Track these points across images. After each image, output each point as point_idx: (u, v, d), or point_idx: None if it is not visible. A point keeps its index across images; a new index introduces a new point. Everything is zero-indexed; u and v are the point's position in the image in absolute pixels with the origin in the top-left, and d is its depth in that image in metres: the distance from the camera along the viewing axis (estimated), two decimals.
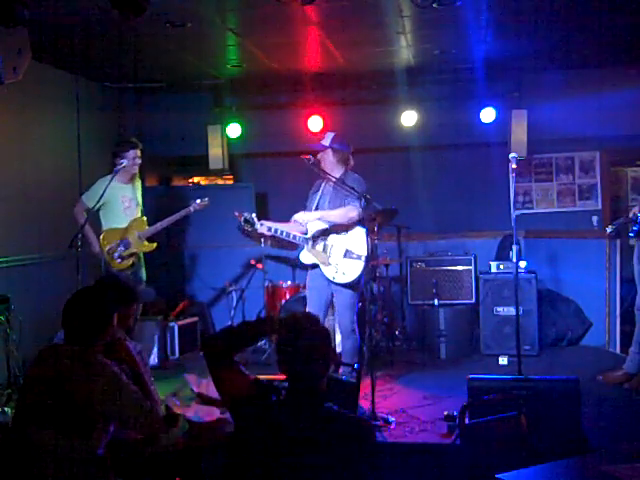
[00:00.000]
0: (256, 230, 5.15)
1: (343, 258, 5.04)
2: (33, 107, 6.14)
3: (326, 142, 5.14)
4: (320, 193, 5.21)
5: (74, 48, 5.81)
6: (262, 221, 5.15)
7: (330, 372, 2.61)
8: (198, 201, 5.98)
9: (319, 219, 5.09)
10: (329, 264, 5.06)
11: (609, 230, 5.54)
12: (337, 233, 5.08)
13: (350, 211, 4.98)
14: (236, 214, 5.22)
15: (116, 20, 4.05)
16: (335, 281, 5.05)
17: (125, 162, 5.66)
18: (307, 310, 5.18)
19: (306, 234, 5.15)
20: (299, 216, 5.10)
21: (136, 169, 5.82)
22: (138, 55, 6.20)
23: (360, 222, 5.06)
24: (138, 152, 5.79)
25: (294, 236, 5.10)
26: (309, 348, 2.46)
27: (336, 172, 5.12)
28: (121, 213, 5.79)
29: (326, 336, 2.54)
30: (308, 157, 5.05)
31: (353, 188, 4.93)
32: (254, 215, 5.16)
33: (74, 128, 6.61)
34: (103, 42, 5.72)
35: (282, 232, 5.11)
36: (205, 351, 2.65)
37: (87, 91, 6.91)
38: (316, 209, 5.15)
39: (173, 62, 6.56)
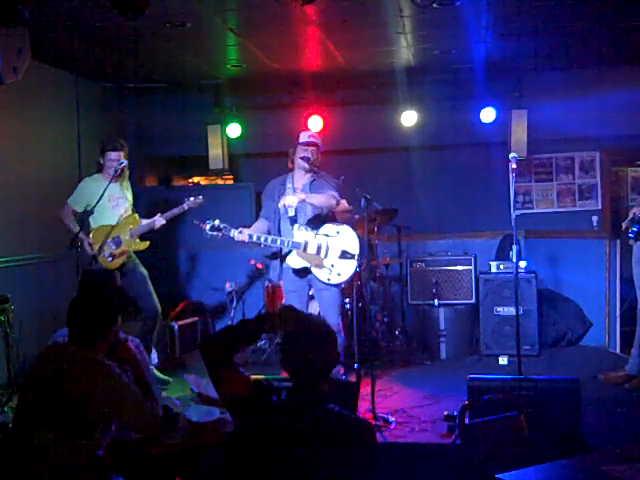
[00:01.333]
0: (232, 238, 5.02)
1: (339, 259, 5.06)
2: (33, 107, 6.13)
3: (314, 139, 5.19)
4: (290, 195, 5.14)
5: (74, 48, 5.81)
6: (242, 229, 5.04)
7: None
8: (192, 198, 5.77)
9: (305, 201, 5.03)
10: (323, 266, 5.06)
11: (625, 225, 5.49)
12: (328, 235, 5.09)
13: (330, 198, 5.06)
14: (195, 222, 5.11)
15: (116, 20, 4.05)
16: (330, 282, 5.06)
17: (125, 162, 5.58)
18: None
19: (270, 233, 5.12)
20: (289, 199, 5.00)
21: (118, 167, 5.52)
22: (138, 55, 6.20)
23: (348, 222, 5.21)
24: (121, 155, 5.55)
25: (282, 241, 5.03)
26: (313, 348, 2.46)
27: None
28: (109, 212, 5.56)
29: (330, 336, 2.54)
30: (308, 156, 5.10)
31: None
32: (218, 222, 5.01)
33: (74, 128, 6.61)
34: (103, 42, 5.72)
35: (267, 239, 5.03)
36: (204, 352, 2.61)
37: (87, 91, 6.90)
38: (295, 214, 5.11)
39: (173, 62, 6.56)
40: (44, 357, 2.93)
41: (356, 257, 5.06)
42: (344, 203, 5.27)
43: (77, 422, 2.74)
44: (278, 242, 5.04)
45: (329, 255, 5.06)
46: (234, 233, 5.01)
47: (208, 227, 5.03)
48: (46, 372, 2.83)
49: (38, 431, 2.73)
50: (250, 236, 5.02)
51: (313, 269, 5.07)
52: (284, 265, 5.16)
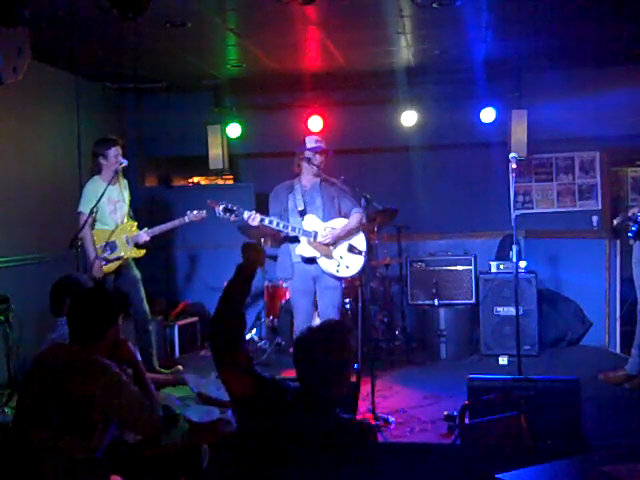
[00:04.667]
0: (243, 220, 4.94)
1: (347, 252, 5.14)
2: (33, 107, 6.13)
3: (323, 145, 5.18)
4: (299, 194, 5.16)
5: (74, 48, 5.80)
6: (253, 212, 4.95)
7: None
8: (195, 212, 5.72)
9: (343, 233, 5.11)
10: (332, 257, 5.10)
11: (616, 222, 5.51)
12: (335, 228, 5.12)
13: (361, 219, 5.14)
14: (209, 202, 5.01)
15: (116, 20, 4.05)
16: (339, 275, 5.12)
17: (125, 162, 5.53)
18: (296, 317, 5.21)
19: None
20: (326, 236, 5.03)
21: (119, 167, 5.50)
22: (138, 55, 6.19)
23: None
24: (119, 149, 5.52)
25: (293, 228, 5.03)
26: (329, 352, 2.46)
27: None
28: (107, 216, 5.50)
29: (352, 347, 2.54)
30: (316, 160, 5.13)
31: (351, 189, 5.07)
32: (231, 204, 4.91)
33: (74, 128, 6.58)
34: (103, 42, 5.72)
35: (279, 223, 4.99)
36: (213, 333, 2.59)
37: (87, 91, 6.90)
38: (304, 208, 5.12)
39: (173, 62, 6.56)
40: (43, 356, 2.93)
41: (364, 254, 5.15)
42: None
43: (77, 422, 2.74)
44: (289, 228, 5.02)
45: (338, 247, 5.12)
46: (246, 215, 4.92)
47: (221, 207, 4.93)
48: (46, 372, 2.83)
49: (38, 431, 2.73)
50: (262, 219, 4.95)
51: (322, 260, 5.09)
52: (294, 261, 5.15)
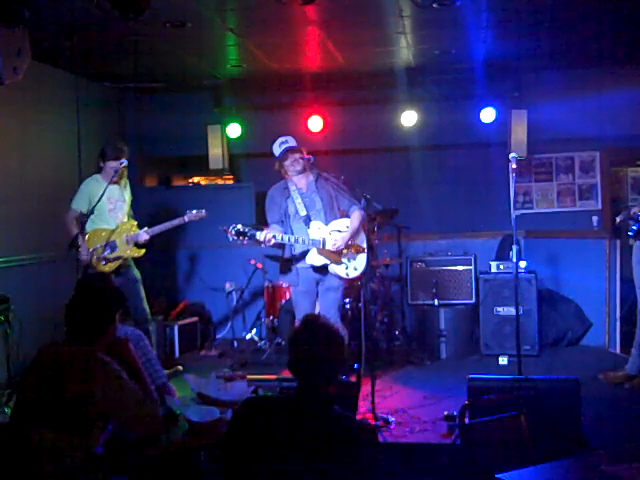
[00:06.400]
0: (257, 241, 4.87)
1: (353, 253, 5.13)
2: (33, 107, 6.13)
3: (290, 144, 5.09)
4: (298, 197, 5.10)
5: (74, 48, 5.79)
6: (266, 230, 4.87)
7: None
8: (194, 212, 5.73)
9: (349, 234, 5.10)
10: (341, 262, 5.10)
11: (619, 219, 5.50)
12: (340, 231, 5.11)
13: (362, 218, 5.07)
14: (222, 228, 4.87)
15: (116, 20, 4.05)
16: (349, 277, 5.12)
17: (125, 162, 5.54)
18: (298, 317, 5.19)
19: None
20: (337, 243, 5.01)
21: (119, 167, 5.49)
22: (138, 55, 6.20)
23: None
24: (123, 161, 5.52)
25: (303, 240, 4.98)
26: (322, 349, 2.45)
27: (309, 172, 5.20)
28: (107, 215, 5.52)
29: (341, 339, 2.53)
30: (309, 157, 5.05)
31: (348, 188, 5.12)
32: (241, 226, 4.81)
33: (74, 128, 6.58)
34: (103, 42, 5.72)
35: (289, 238, 4.97)
36: None
37: (87, 91, 6.90)
38: (307, 215, 5.08)
39: (173, 62, 6.56)
40: (43, 354, 2.92)
41: (365, 250, 5.16)
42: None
43: (76, 419, 2.73)
44: (300, 241, 4.98)
45: (344, 250, 5.11)
46: (260, 236, 4.83)
47: (233, 232, 4.82)
48: (45, 369, 2.83)
49: (37, 429, 2.72)
50: (274, 236, 4.89)
51: (332, 266, 5.08)
52: (299, 266, 5.11)
